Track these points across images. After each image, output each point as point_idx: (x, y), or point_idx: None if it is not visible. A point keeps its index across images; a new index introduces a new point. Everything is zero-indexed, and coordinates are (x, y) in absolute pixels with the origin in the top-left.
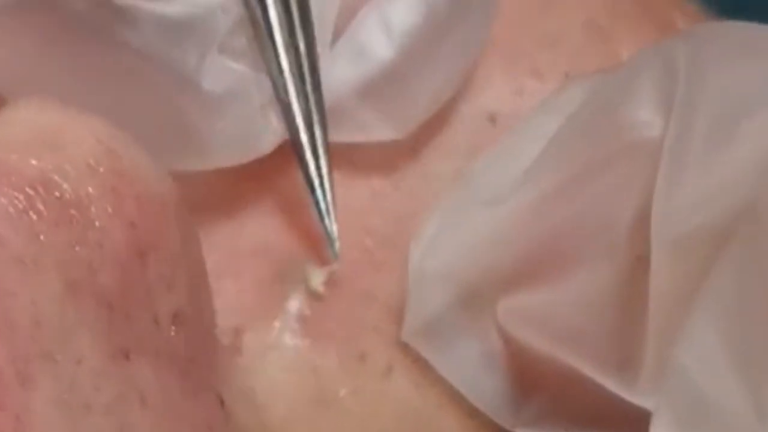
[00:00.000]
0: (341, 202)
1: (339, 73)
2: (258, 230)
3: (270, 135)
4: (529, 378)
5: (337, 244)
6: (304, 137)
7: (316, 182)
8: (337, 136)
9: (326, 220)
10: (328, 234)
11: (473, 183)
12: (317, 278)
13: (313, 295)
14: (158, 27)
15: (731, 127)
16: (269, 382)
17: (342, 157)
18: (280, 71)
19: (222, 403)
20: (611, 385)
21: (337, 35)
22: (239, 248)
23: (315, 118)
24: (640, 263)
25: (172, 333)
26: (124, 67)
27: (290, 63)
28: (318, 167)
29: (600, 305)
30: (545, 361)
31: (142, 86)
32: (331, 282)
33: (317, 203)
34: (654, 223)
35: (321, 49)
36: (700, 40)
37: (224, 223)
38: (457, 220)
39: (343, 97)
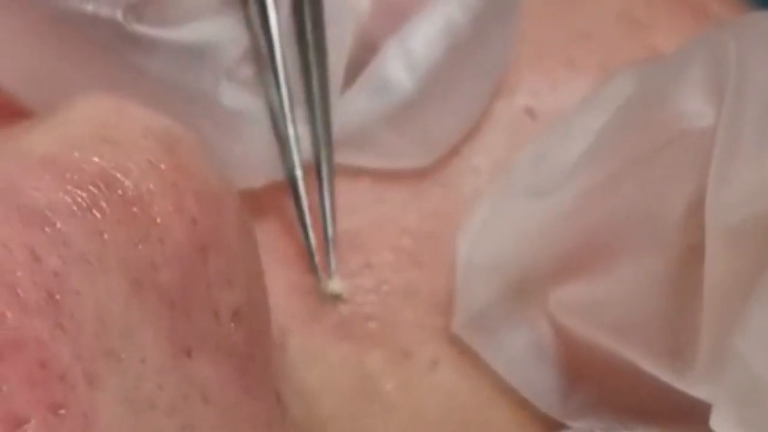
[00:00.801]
0: (377, 203)
1: (364, 103)
2: (291, 239)
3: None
4: (580, 368)
5: (331, 284)
6: (298, 172)
7: (308, 219)
8: (365, 161)
9: (315, 258)
10: (315, 270)
11: (518, 176)
12: (335, 285)
13: (352, 298)
14: (173, 53)
15: None
16: (316, 379)
17: None
18: (281, 104)
19: (279, 399)
20: (663, 374)
21: (360, 68)
22: (278, 254)
23: (322, 153)
24: (692, 253)
25: (232, 329)
26: (145, 89)
27: (291, 97)
28: (322, 199)
29: (651, 295)
30: (596, 351)
31: (161, 109)
32: (369, 284)
33: (307, 239)
34: (708, 212)
35: (332, 87)
36: (749, 30)
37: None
38: (503, 213)
39: (368, 125)
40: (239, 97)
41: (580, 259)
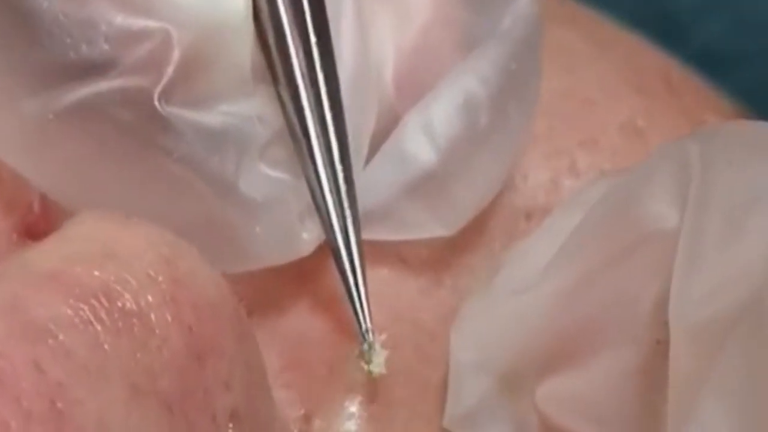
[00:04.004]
0: (392, 296)
1: (385, 176)
2: (310, 324)
3: (307, 239)
4: None
5: (374, 343)
6: (340, 243)
7: (351, 283)
8: (388, 235)
9: (361, 320)
10: (363, 333)
11: (503, 274)
12: (378, 358)
13: (372, 383)
14: (199, 135)
15: (741, 222)
16: None
17: (391, 253)
18: (318, 180)
19: None
20: None
21: (382, 139)
22: (299, 341)
23: (350, 224)
24: (659, 347)
25: (230, 431)
26: (169, 174)
27: (327, 172)
28: (353, 269)
29: (625, 387)
30: None
31: (185, 192)
32: (388, 372)
33: (353, 304)
34: (672, 310)
35: (357, 160)
36: (713, 137)
37: (280, 319)
38: (488, 311)
39: (390, 198)
40: (264, 179)
41: (560, 353)
